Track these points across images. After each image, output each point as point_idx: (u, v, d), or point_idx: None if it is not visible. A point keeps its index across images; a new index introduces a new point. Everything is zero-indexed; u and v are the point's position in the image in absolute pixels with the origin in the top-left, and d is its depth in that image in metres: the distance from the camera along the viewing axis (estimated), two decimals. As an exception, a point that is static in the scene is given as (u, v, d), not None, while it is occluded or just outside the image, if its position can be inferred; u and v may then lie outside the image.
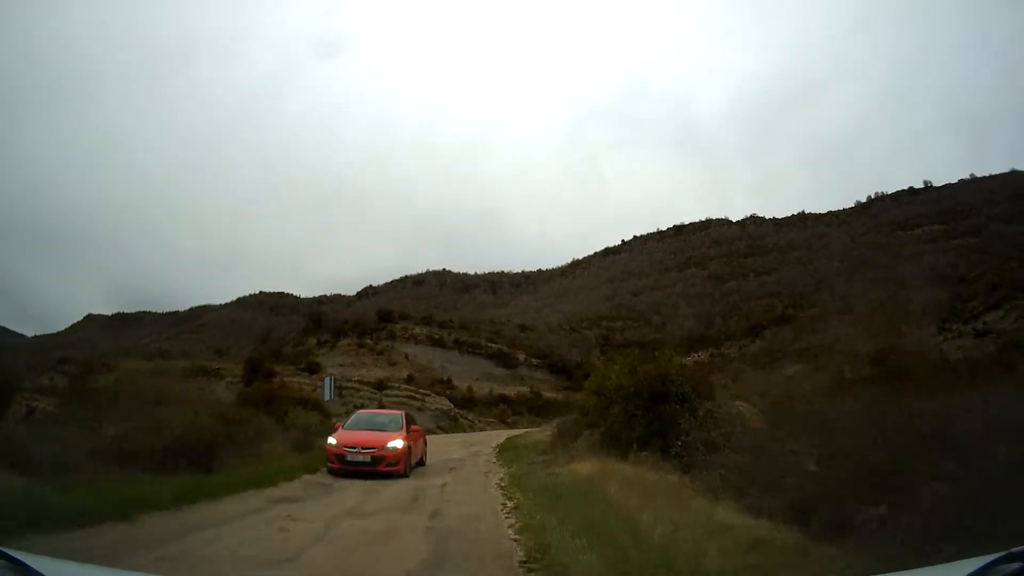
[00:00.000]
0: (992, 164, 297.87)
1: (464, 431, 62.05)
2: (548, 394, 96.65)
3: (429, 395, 71.88)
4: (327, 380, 42.13)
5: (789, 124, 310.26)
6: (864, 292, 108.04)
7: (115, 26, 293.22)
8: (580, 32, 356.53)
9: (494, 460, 27.38)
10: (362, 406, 58.00)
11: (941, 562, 4.36)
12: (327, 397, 39.11)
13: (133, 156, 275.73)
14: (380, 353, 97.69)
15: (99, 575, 4.83)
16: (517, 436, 40.24)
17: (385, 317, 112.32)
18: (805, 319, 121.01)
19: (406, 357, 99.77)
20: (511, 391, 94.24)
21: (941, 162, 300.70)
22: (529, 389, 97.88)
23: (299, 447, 26.07)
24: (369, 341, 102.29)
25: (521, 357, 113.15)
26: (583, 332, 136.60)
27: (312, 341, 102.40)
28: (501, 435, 44.91)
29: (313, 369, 71.31)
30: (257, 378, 58.12)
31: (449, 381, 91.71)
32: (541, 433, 35.56)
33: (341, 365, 75.36)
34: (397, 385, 73.09)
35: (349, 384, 65.57)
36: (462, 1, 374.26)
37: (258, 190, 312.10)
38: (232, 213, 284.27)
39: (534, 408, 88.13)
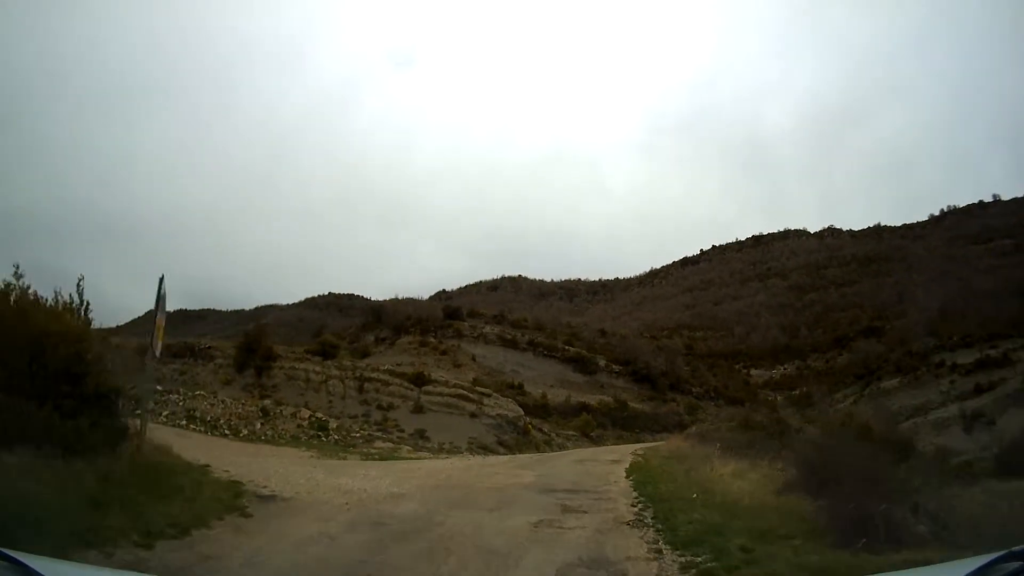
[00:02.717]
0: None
1: (538, 448, 47.94)
2: (633, 404, 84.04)
3: (489, 395, 55.27)
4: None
5: (850, 140, 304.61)
6: (946, 303, 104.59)
7: (192, 32, 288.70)
8: (647, 51, 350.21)
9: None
10: (388, 407, 44.79)
11: None
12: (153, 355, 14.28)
13: (205, 159, 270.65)
14: (444, 353, 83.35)
15: (99, 575, 5.14)
16: (643, 465, 26.23)
17: (452, 314, 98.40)
18: (894, 331, 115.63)
19: (473, 358, 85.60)
20: (591, 400, 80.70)
21: (1000, 177, 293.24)
22: (612, 398, 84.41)
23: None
24: (433, 339, 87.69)
25: (601, 363, 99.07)
26: (664, 340, 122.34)
27: (370, 338, 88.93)
28: (599, 460, 30.38)
29: (330, 353, 56.66)
30: (254, 360, 46.86)
31: (521, 387, 78.04)
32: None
33: (399, 364, 60.95)
34: (444, 381, 55.34)
35: (374, 376, 51.41)
36: (535, 20, 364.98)
37: (330, 196, 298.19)
38: (304, 218, 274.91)
39: (618, 420, 75.86)
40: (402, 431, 41.51)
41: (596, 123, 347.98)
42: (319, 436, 35.05)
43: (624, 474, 22.45)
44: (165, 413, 31.31)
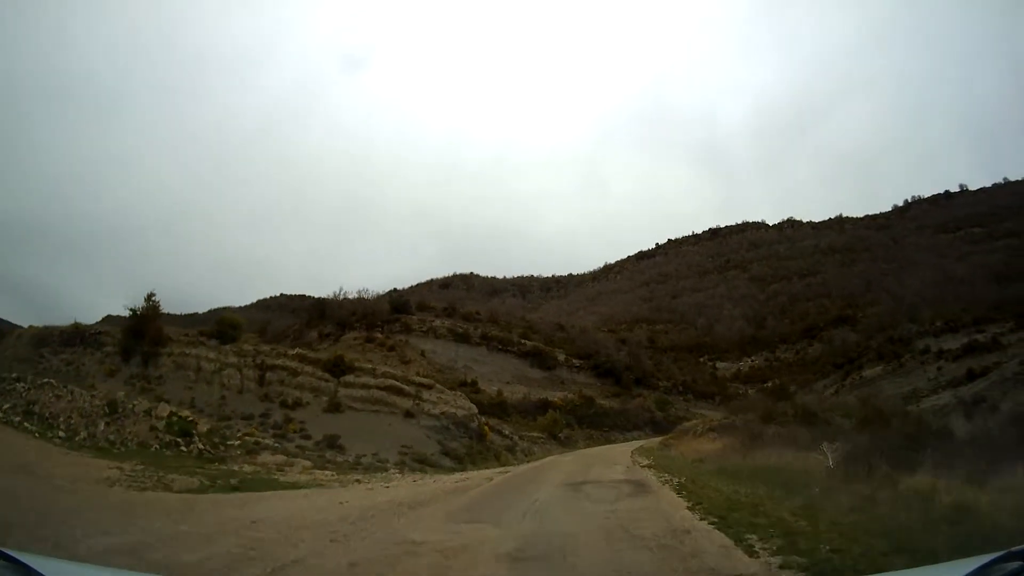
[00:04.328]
0: (1005, 171, 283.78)
1: (498, 457, 35.58)
2: (600, 401, 74.38)
3: (431, 387, 40.92)
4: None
5: (810, 136, 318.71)
6: (920, 291, 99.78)
7: (144, 40, 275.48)
8: (601, 50, 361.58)
9: None
10: (295, 404, 32.22)
11: None
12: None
13: (159, 165, 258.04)
14: (392, 349, 72.71)
15: (99, 575, 4.69)
16: (711, 496, 14.86)
17: (400, 308, 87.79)
18: (867, 319, 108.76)
19: (422, 354, 75.52)
20: (553, 397, 70.15)
21: (963, 170, 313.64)
22: (577, 394, 73.53)
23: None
24: (379, 335, 76.88)
25: (561, 357, 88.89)
26: (622, 334, 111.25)
27: (313, 334, 76.12)
28: (603, 481, 19.47)
29: (229, 337, 41.11)
30: (142, 346, 36.88)
31: (475, 384, 67.74)
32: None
33: (316, 349, 47.85)
34: (370, 369, 39.77)
35: (279, 363, 36.77)
36: (484, 21, 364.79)
37: (282, 200, 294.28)
38: (255, 222, 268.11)
39: (585, 419, 65.01)
40: (307, 438, 29.10)
41: (550, 121, 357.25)
42: (177, 444, 23.66)
43: (705, 522, 11.14)
44: (6, 406, 23.97)
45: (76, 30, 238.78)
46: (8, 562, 2.72)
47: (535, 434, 51.67)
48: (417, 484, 20.31)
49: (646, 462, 26.46)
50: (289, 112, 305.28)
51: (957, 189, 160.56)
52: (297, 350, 38.69)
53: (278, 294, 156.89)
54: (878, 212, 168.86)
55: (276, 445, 27.08)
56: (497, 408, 59.54)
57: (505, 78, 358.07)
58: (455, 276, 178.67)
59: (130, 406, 25.65)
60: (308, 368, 35.83)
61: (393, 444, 29.47)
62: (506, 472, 26.09)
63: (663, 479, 19.05)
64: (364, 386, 34.91)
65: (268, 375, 35.71)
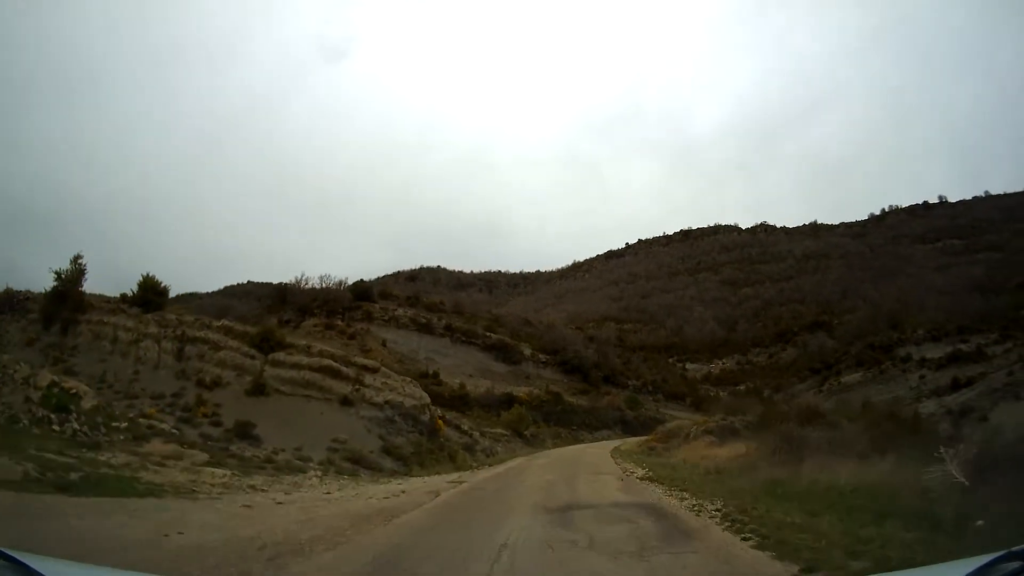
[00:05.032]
0: (984, 185, 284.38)
1: (453, 458, 28.70)
2: (568, 397, 69.10)
3: (376, 371, 33.54)
4: None
5: (785, 143, 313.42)
6: (900, 299, 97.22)
7: (124, 26, 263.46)
8: (580, 48, 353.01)
9: None
10: (213, 383, 26.08)
11: None
12: None
13: (135, 153, 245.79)
14: (352, 337, 66.54)
15: (99, 575, 4.54)
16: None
17: (362, 295, 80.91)
18: (844, 325, 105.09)
19: (384, 343, 69.56)
20: (518, 391, 64.61)
21: (940, 182, 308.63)
22: (544, 390, 67.96)
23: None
24: (340, 322, 71.16)
25: (526, 351, 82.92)
26: (590, 332, 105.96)
27: (273, 320, 69.55)
28: (604, 510, 13.10)
29: (154, 304, 33.02)
30: (63, 313, 31.74)
31: (436, 375, 62.34)
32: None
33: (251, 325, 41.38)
34: (304, 346, 32.20)
35: (200, 335, 29.56)
36: (465, 13, 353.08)
37: (257, 189, 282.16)
38: (231, 210, 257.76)
39: (552, 415, 60.19)
40: (217, 424, 23.04)
41: (526, 119, 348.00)
42: (49, 422, 18.09)
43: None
44: None
45: (57, 17, 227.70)
46: (8, 562, 2.62)
47: (498, 431, 45.65)
48: (331, 497, 14.30)
49: (641, 472, 20.66)
50: (267, 102, 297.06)
51: (936, 200, 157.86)
52: (223, 321, 31.93)
53: (246, 281, 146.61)
54: (854, 220, 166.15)
55: (173, 432, 21.24)
56: (458, 401, 54.47)
57: (482, 75, 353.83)
58: (422, 269, 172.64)
59: (11, 372, 20.38)
60: (233, 342, 29.23)
61: (322, 437, 23.17)
62: (459, 483, 20.32)
63: (688, 502, 13.31)
64: (295, 366, 28.29)
65: (188, 348, 29.23)
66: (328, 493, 14.95)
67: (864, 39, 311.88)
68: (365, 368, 30.48)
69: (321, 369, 28.26)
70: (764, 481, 14.07)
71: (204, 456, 18.22)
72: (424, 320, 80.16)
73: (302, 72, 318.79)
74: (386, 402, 28.13)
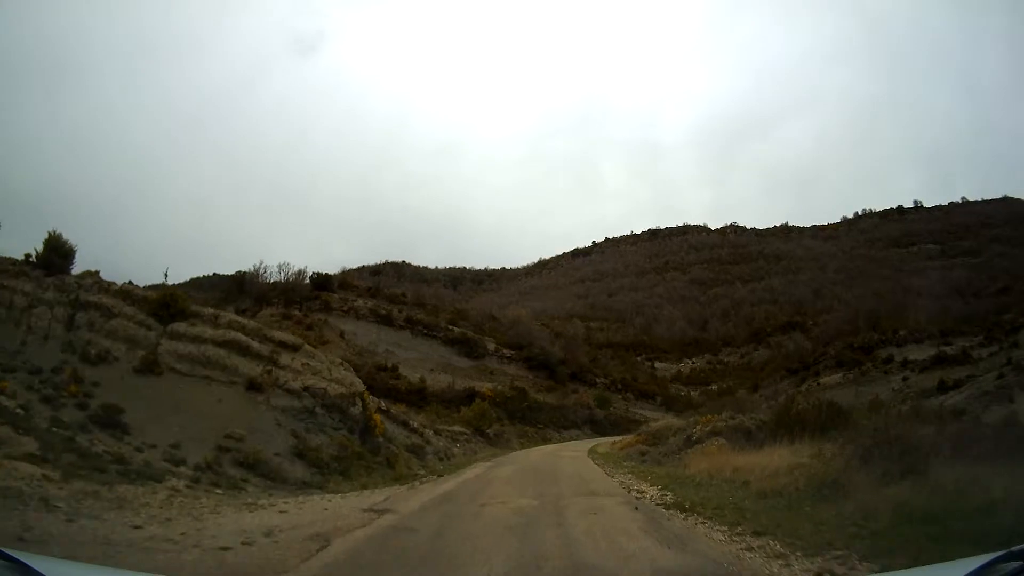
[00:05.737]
0: (959, 193, 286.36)
1: (393, 465, 21.29)
2: (534, 394, 64.93)
3: (300, 351, 25.58)
4: None
5: (754, 147, 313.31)
6: (878, 300, 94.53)
7: (90, 20, 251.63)
8: (549, 48, 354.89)
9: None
10: (99, 358, 19.88)
11: None
12: None
13: (98, 145, 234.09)
14: (310, 328, 62.63)
15: (99, 575, 4.55)
16: None
17: (321, 285, 77.43)
18: (819, 326, 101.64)
19: (342, 335, 66.62)
20: (481, 387, 59.66)
21: (913, 188, 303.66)
22: (509, 386, 63.68)
23: None
24: (298, 312, 68.26)
25: (490, 346, 78.79)
26: (556, 328, 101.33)
27: (231, 309, 64.26)
28: None
29: (58, 266, 27.03)
30: None
31: (396, 369, 58.77)
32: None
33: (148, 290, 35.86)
34: (212, 316, 24.72)
35: (94, 300, 22.72)
36: (431, 13, 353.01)
37: (225, 183, 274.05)
38: (195, 203, 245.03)
39: (517, 413, 56.15)
40: (83, 406, 16.90)
41: (493, 116, 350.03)
42: None
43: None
44: None
45: (11, 4, 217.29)
46: (8, 562, 2.63)
47: (457, 428, 39.76)
48: (119, 538, 7.78)
49: (654, 491, 14.36)
50: (231, 97, 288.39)
51: (911, 205, 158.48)
52: (124, 284, 25.61)
53: (211, 273, 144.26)
54: (826, 223, 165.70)
55: (17, 412, 15.05)
56: (416, 395, 50.09)
57: (450, 72, 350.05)
58: (386, 263, 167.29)
59: None
60: (128, 309, 22.90)
61: (213, 431, 16.95)
62: (382, 513, 12.39)
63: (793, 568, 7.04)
64: (197, 339, 21.73)
65: (79, 316, 22.92)
66: (138, 527, 8.66)
67: (838, 45, 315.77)
68: (283, 345, 23.94)
69: (226, 343, 21.87)
70: (892, 509, 8.41)
71: (32, 450, 12.35)
72: (384, 312, 76.05)
73: (268, 66, 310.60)
74: (305, 388, 21.46)
